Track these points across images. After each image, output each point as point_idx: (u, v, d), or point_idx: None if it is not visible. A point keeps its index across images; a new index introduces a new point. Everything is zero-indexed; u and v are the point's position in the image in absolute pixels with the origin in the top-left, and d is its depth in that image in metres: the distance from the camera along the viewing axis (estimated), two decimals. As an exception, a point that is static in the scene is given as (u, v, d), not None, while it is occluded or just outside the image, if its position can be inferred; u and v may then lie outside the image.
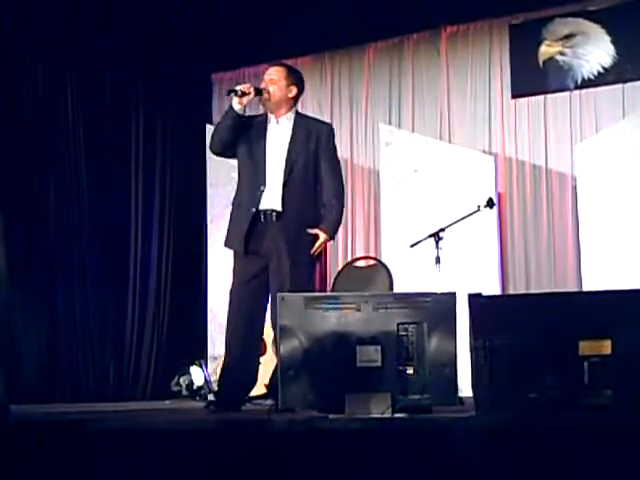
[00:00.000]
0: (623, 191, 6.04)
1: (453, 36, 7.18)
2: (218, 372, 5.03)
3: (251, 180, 4.52)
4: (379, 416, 3.25)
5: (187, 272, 7.56)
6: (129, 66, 7.21)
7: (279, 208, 4.45)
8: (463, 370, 3.32)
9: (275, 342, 4.37)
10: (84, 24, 6.73)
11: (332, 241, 4.74)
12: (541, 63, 6.81)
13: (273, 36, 7.05)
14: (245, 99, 4.48)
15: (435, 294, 3.50)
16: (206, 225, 7.45)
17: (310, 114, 7.31)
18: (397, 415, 3.26)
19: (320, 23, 6.87)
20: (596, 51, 6.64)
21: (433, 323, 3.34)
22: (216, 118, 7.87)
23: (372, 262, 6.08)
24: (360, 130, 7.49)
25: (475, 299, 3.24)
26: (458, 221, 5.11)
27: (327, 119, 7.45)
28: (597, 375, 3.09)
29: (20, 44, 6.41)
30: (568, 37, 6.73)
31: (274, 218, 4.46)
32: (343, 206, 4.61)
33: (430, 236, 5.00)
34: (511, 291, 6.69)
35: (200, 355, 7.11)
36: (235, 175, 4.71)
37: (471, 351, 3.20)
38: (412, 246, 5.09)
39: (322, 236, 4.49)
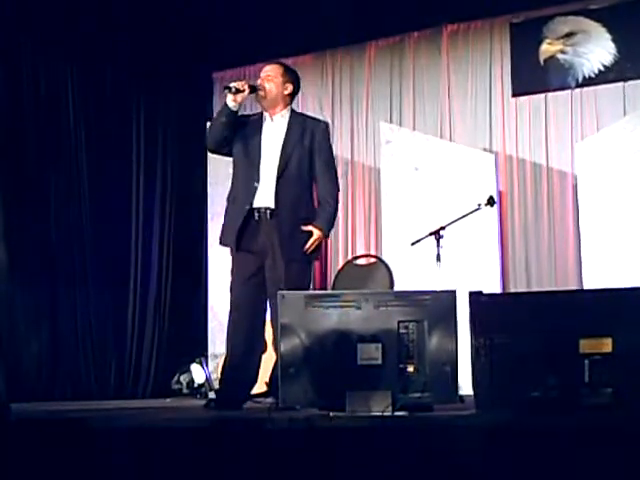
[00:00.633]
0: (624, 189, 6.04)
1: (454, 34, 7.17)
2: (219, 370, 5.04)
3: (246, 177, 4.53)
4: (380, 414, 3.25)
5: (187, 270, 7.57)
6: (130, 65, 7.21)
7: (272, 205, 4.45)
8: (463, 368, 3.32)
9: (275, 340, 4.39)
10: (85, 23, 6.73)
11: (328, 238, 4.73)
12: (542, 61, 6.81)
13: (274, 35, 7.05)
14: (239, 96, 4.47)
15: (436, 292, 3.50)
16: (206, 223, 7.45)
17: (311, 112, 7.32)
18: (398, 413, 3.26)
19: (321, 21, 6.87)
20: (597, 49, 6.64)
21: (434, 321, 3.34)
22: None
23: (373, 260, 6.08)
24: (361, 128, 7.49)
25: (476, 297, 3.25)
26: (459, 219, 5.11)
27: (328, 117, 7.47)
28: (598, 373, 3.10)
29: (21, 44, 6.41)
30: (569, 35, 6.73)
31: (268, 216, 4.46)
32: (337, 204, 4.60)
33: (431, 234, 5.00)
34: (512, 289, 6.68)
35: (201, 353, 7.11)
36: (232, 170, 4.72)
37: (471, 349, 3.21)
38: (413, 244, 5.10)
39: (316, 233, 4.48)
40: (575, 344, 3.12)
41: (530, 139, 6.87)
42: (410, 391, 3.30)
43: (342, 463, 2.69)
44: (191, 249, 7.60)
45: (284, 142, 4.52)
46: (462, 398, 3.62)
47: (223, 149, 4.65)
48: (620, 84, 6.55)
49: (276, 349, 4.36)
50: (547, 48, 6.79)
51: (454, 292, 3.36)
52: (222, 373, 4.72)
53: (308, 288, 4.72)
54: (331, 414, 3.28)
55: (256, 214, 4.47)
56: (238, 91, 4.46)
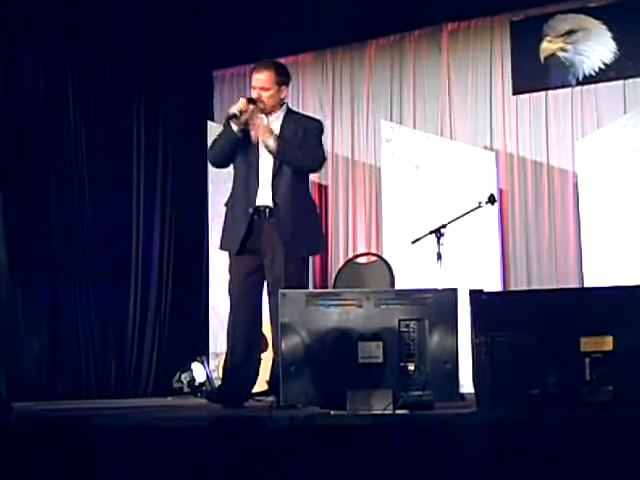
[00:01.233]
0: (624, 187, 6.04)
1: (454, 33, 7.17)
2: (220, 369, 5.04)
3: (245, 180, 4.55)
4: (381, 412, 3.25)
5: (188, 269, 7.57)
6: (130, 63, 7.21)
7: (271, 204, 4.47)
8: (464, 366, 3.32)
9: (274, 338, 4.39)
10: (85, 23, 6.73)
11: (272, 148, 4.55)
12: (542, 59, 6.80)
13: (274, 33, 7.04)
14: (243, 117, 4.48)
15: (436, 290, 3.49)
16: (207, 222, 7.45)
17: (311, 111, 7.36)
18: (398, 411, 3.26)
19: (321, 20, 6.87)
20: (597, 47, 6.63)
21: (434, 319, 3.34)
22: (217, 115, 7.89)
23: (373, 258, 6.08)
24: (361, 127, 7.49)
25: (476, 295, 3.24)
26: (459, 217, 5.11)
27: (328, 116, 7.47)
28: (598, 371, 3.09)
29: (21, 43, 6.41)
30: (569, 33, 6.72)
31: (267, 215, 4.48)
32: (306, 162, 4.52)
33: (431, 232, 4.99)
34: (512, 287, 6.68)
35: (202, 352, 7.11)
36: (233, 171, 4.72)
37: (472, 347, 3.20)
38: (413, 242, 5.09)
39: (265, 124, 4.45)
40: (576, 342, 3.11)
41: (531, 137, 6.87)
42: (411, 389, 3.30)
43: (343, 461, 2.69)
44: (192, 248, 7.60)
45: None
46: (463, 396, 3.62)
47: (227, 165, 4.69)
48: (620, 82, 6.55)
49: (275, 347, 4.38)
50: (547, 46, 6.78)
51: (455, 290, 3.36)
52: (223, 372, 4.73)
53: (306, 286, 4.73)
54: (332, 412, 3.28)
55: (257, 215, 4.49)
56: (242, 113, 4.46)
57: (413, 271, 6.14)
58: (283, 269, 4.41)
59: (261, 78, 4.55)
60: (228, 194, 4.72)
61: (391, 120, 7.24)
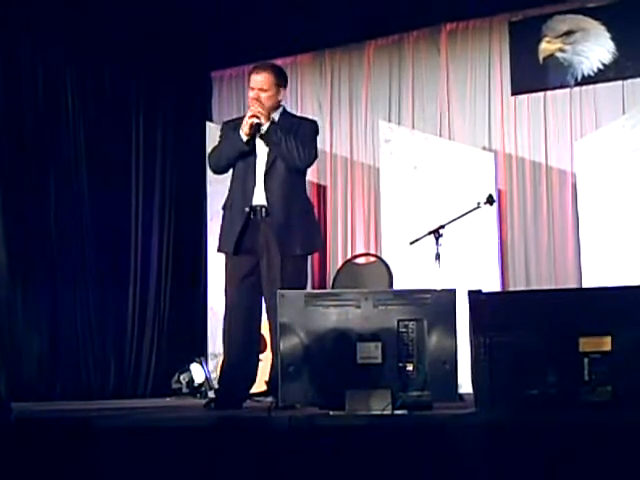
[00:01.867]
0: (623, 187, 6.04)
1: (453, 33, 7.17)
2: (218, 369, 5.04)
3: (242, 181, 4.57)
4: (379, 413, 3.25)
5: (187, 269, 7.57)
6: (129, 64, 7.21)
7: (265, 202, 4.48)
8: (463, 366, 3.32)
9: (272, 339, 4.40)
10: (84, 23, 6.72)
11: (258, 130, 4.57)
12: (541, 60, 6.81)
13: (272, 33, 7.04)
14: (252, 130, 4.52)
15: (435, 291, 3.49)
16: (206, 222, 7.45)
17: (309, 111, 7.38)
18: (397, 412, 3.26)
19: (320, 20, 6.87)
20: (596, 48, 6.64)
21: (433, 320, 3.34)
22: (215, 116, 7.89)
23: (372, 259, 6.09)
24: (360, 127, 7.49)
25: (475, 296, 3.24)
26: (458, 218, 5.11)
27: (327, 116, 7.48)
28: (597, 371, 3.09)
29: (21, 44, 6.41)
30: (568, 34, 6.73)
31: (263, 214, 4.49)
32: (297, 154, 4.50)
33: (430, 233, 5.00)
34: (511, 288, 6.69)
35: (200, 352, 7.11)
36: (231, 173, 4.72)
37: (471, 348, 3.21)
38: (412, 243, 5.10)
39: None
40: (574, 342, 3.12)
41: (529, 137, 6.88)
42: (410, 390, 3.30)
43: (342, 461, 2.69)
44: (191, 249, 7.60)
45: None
46: (462, 396, 3.62)
47: (227, 171, 4.71)
48: (619, 82, 6.56)
49: (274, 348, 4.38)
50: (546, 47, 6.79)
51: (454, 291, 3.36)
52: (220, 374, 4.73)
53: (305, 285, 4.73)
54: (331, 413, 3.28)
55: (252, 214, 4.50)
56: (259, 125, 4.48)
57: (412, 271, 6.14)
58: (279, 269, 4.41)
59: (260, 79, 4.57)
60: (226, 195, 4.72)
61: (390, 121, 7.24)
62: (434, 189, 6.64)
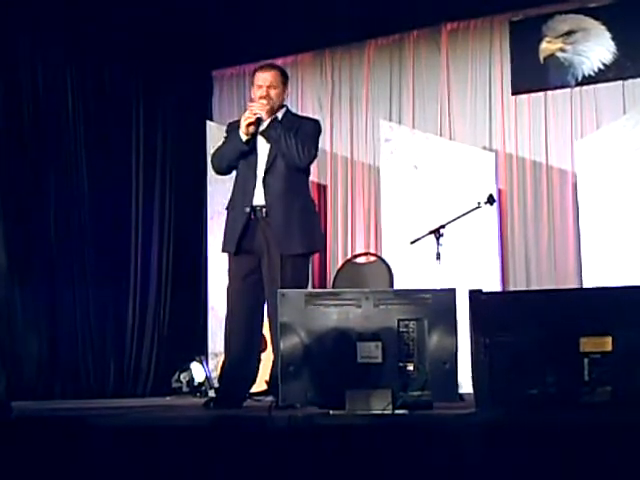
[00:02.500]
0: (623, 187, 6.04)
1: (453, 33, 7.17)
2: (219, 369, 5.04)
3: (244, 182, 4.58)
4: (380, 412, 3.25)
5: (188, 269, 7.57)
6: (129, 63, 7.21)
7: (264, 202, 4.49)
8: (463, 366, 3.32)
9: (273, 338, 4.39)
10: (84, 22, 6.72)
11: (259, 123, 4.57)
12: (542, 60, 6.81)
13: (273, 33, 7.04)
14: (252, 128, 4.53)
15: (435, 290, 3.50)
16: (206, 222, 7.45)
17: (310, 111, 7.37)
18: (397, 411, 3.26)
19: (320, 19, 6.87)
20: (596, 48, 6.64)
21: (433, 319, 3.34)
22: (216, 115, 7.89)
23: (372, 258, 6.09)
24: (360, 126, 7.49)
25: (475, 295, 3.25)
26: (458, 218, 5.12)
27: (327, 116, 7.48)
28: (597, 372, 3.09)
29: (21, 43, 6.41)
30: (568, 34, 6.73)
31: (263, 213, 4.49)
32: (301, 156, 4.51)
33: (430, 232, 5.00)
34: (511, 287, 6.69)
35: (201, 351, 7.11)
36: (235, 173, 4.73)
37: (471, 347, 3.21)
38: (412, 242, 5.10)
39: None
40: (575, 342, 3.12)
41: (530, 137, 6.88)
42: (410, 389, 3.30)
43: (342, 461, 2.69)
44: (191, 248, 7.60)
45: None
46: (462, 396, 3.62)
47: (230, 172, 4.71)
48: (620, 82, 6.56)
49: (274, 347, 4.38)
50: (547, 46, 6.79)
51: (454, 290, 3.36)
52: (220, 373, 4.73)
53: (306, 284, 4.73)
54: (331, 412, 3.28)
55: (253, 214, 4.50)
56: (260, 120, 4.49)
57: (412, 271, 6.14)
58: (279, 268, 4.41)
59: (269, 77, 4.61)
60: (228, 195, 4.72)
61: (390, 120, 7.24)
62: (434, 189, 6.64)
